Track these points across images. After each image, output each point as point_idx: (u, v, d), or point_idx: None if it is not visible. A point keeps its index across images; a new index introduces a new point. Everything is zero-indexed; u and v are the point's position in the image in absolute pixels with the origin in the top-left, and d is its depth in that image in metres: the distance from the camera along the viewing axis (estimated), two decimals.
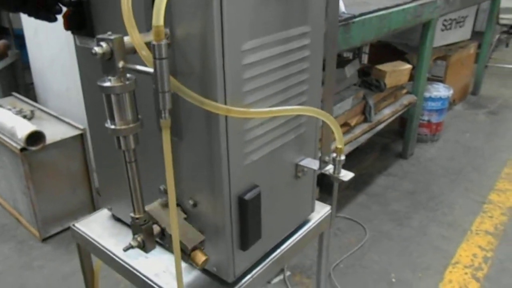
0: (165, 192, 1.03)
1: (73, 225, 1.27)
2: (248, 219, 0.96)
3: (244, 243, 0.99)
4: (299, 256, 2.43)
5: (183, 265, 1.08)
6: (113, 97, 0.79)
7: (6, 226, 2.71)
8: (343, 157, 1.04)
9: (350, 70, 2.63)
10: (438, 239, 2.58)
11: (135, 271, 1.10)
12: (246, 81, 0.86)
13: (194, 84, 0.82)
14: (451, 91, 3.69)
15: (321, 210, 1.30)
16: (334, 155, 1.04)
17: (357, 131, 2.71)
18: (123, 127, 0.81)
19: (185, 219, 1.00)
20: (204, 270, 1.06)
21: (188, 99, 0.80)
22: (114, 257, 1.14)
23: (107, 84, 0.77)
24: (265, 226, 1.04)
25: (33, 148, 2.28)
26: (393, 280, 2.28)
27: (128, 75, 0.79)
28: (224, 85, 0.82)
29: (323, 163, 1.08)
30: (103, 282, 2.12)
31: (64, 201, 2.56)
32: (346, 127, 2.67)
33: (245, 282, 1.04)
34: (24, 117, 2.58)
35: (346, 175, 1.06)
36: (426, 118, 3.67)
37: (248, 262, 1.05)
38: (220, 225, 0.95)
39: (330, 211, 1.30)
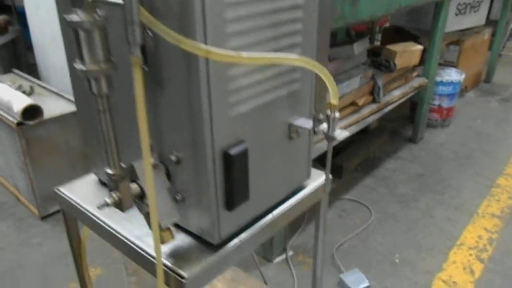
0: None
1: (57, 189, 1.22)
2: (233, 176, 0.90)
3: (230, 202, 0.93)
4: (302, 236, 2.37)
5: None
6: (81, 34, 0.72)
7: (5, 204, 2.69)
8: (337, 114, 0.96)
9: (359, 48, 2.54)
10: (444, 222, 2.51)
11: (117, 234, 1.04)
12: (229, 22, 0.79)
13: (173, 24, 0.75)
14: (463, 76, 3.58)
15: (318, 178, 1.23)
16: (328, 112, 0.97)
17: (365, 111, 2.62)
18: (93, 67, 0.75)
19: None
20: (190, 233, 1.00)
21: (164, 36, 0.73)
22: (97, 220, 1.09)
23: (75, 18, 0.71)
24: (254, 188, 0.98)
25: (30, 123, 2.24)
26: (397, 260, 2.21)
27: (99, 11, 0.73)
28: (204, 23, 0.75)
29: (317, 121, 1.01)
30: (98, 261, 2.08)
31: (63, 179, 2.50)
32: (354, 106, 2.58)
33: (232, 245, 0.98)
34: (23, 92, 2.54)
35: (341, 133, 0.98)
36: (437, 102, 3.56)
37: (235, 224, 0.98)
38: (203, 182, 0.89)
39: (330, 178, 1.23)
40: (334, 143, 1.03)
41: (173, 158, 0.92)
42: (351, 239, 2.36)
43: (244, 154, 0.91)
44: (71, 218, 1.24)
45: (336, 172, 2.92)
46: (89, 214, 1.11)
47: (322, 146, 2.30)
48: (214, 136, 0.85)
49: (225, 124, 0.86)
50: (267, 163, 1.01)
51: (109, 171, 0.86)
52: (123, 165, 0.87)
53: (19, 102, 2.23)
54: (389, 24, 4.61)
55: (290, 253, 2.25)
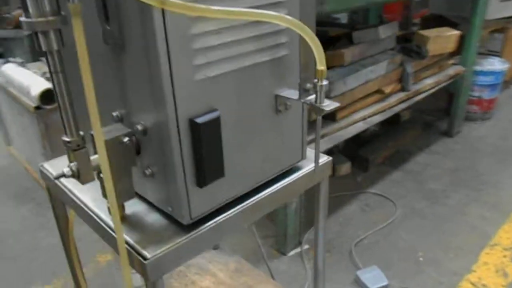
0: (119, 119, 0.90)
1: (41, 165, 1.18)
2: (202, 148, 0.81)
3: (201, 178, 0.84)
4: None
5: (143, 206, 0.96)
6: None
7: (29, 189, 2.73)
8: (325, 82, 0.85)
9: (385, 32, 2.37)
10: (477, 220, 2.31)
11: (88, 211, 0.98)
12: None
13: None
14: (506, 65, 3.32)
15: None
16: (315, 80, 0.86)
17: (392, 99, 2.46)
18: (39, 19, 0.68)
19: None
20: (163, 212, 0.92)
21: None
22: (73, 197, 1.03)
23: None
24: (232, 164, 0.89)
25: (48, 107, 2.24)
26: (421, 259, 2.05)
27: None
28: None
29: (304, 91, 0.90)
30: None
31: None
32: (380, 94, 2.42)
33: (207, 227, 0.89)
34: (47, 79, 2.55)
35: (330, 104, 0.87)
36: (476, 94, 3.32)
37: (209, 204, 0.89)
38: (169, 154, 0.80)
39: (328, 160, 1.12)
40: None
41: (139, 127, 0.84)
42: (372, 235, 2.22)
43: (215, 124, 0.82)
44: (56, 196, 1.19)
45: (362, 164, 2.77)
46: (64, 189, 1.06)
47: (343, 134, 2.18)
48: (177, 101, 0.76)
49: (190, 88, 0.77)
50: (248, 138, 0.92)
51: (66, 138, 0.79)
52: (81, 133, 0.80)
53: (37, 86, 2.24)
54: (429, 12, 4.37)
55: (305, 247, 2.14)
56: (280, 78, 0.93)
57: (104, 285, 1.95)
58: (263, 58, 0.88)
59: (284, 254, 2.11)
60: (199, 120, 0.79)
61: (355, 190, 2.59)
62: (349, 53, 2.17)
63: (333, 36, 2.50)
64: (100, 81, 0.89)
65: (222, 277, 1.53)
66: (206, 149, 0.82)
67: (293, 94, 0.93)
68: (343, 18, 3.49)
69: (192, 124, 0.79)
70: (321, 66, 0.84)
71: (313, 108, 0.88)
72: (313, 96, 0.89)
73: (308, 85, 0.90)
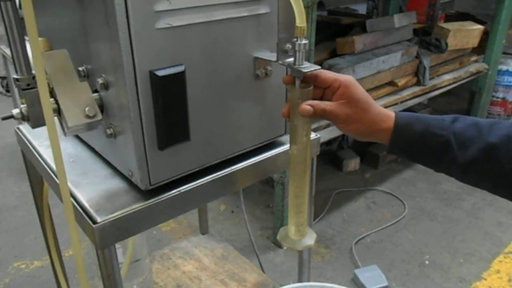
0: (85, 74, 0.83)
1: (17, 128, 1.13)
2: (163, 105, 0.73)
3: (162, 139, 0.76)
4: (321, 224, 2.16)
5: (106, 171, 0.89)
6: None
7: None
8: (304, 41, 0.76)
9: (401, 21, 2.26)
10: (492, 225, 2.16)
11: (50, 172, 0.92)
12: None
13: None
14: None
15: None
16: (294, 39, 0.77)
17: (406, 93, 2.34)
18: None
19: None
20: (125, 177, 0.85)
21: None
22: (39, 157, 0.98)
23: None
24: (202, 130, 0.82)
25: None
26: (427, 262, 1.93)
27: None
28: None
29: (282, 52, 0.81)
30: None
31: None
32: (392, 86, 2.30)
33: (168, 195, 0.81)
34: None
35: (310, 66, 0.78)
36: (500, 95, 3.15)
37: (173, 171, 0.82)
38: (125, 109, 0.73)
39: (315, 138, 1.03)
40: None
41: (100, 81, 0.77)
42: (376, 233, 2.11)
43: (178, 79, 0.74)
44: (31, 163, 1.14)
45: (372, 161, 2.65)
46: (33, 150, 1.00)
47: None
48: (134, 50, 0.69)
49: (150, 37, 0.70)
50: (221, 102, 0.84)
51: (15, 75, 0.73)
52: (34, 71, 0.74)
53: None
54: (454, 10, 4.20)
55: None
56: (259, 39, 0.85)
57: (88, 265, 1.90)
58: (240, 14, 0.80)
59: (280, 247, 2.02)
60: (160, 72, 0.72)
61: (363, 187, 2.48)
62: (360, 41, 2.06)
63: (347, 25, 2.40)
64: (66, 31, 0.83)
65: (207, 263, 1.46)
66: (168, 106, 0.74)
67: (272, 56, 0.85)
68: (362, 10, 3.37)
69: (152, 76, 0.72)
70: (301, 23, 0.76)
71: (292, 70, 0.80)
72: (292, 58, 0.81)
73: (287, 46, 0.81)
